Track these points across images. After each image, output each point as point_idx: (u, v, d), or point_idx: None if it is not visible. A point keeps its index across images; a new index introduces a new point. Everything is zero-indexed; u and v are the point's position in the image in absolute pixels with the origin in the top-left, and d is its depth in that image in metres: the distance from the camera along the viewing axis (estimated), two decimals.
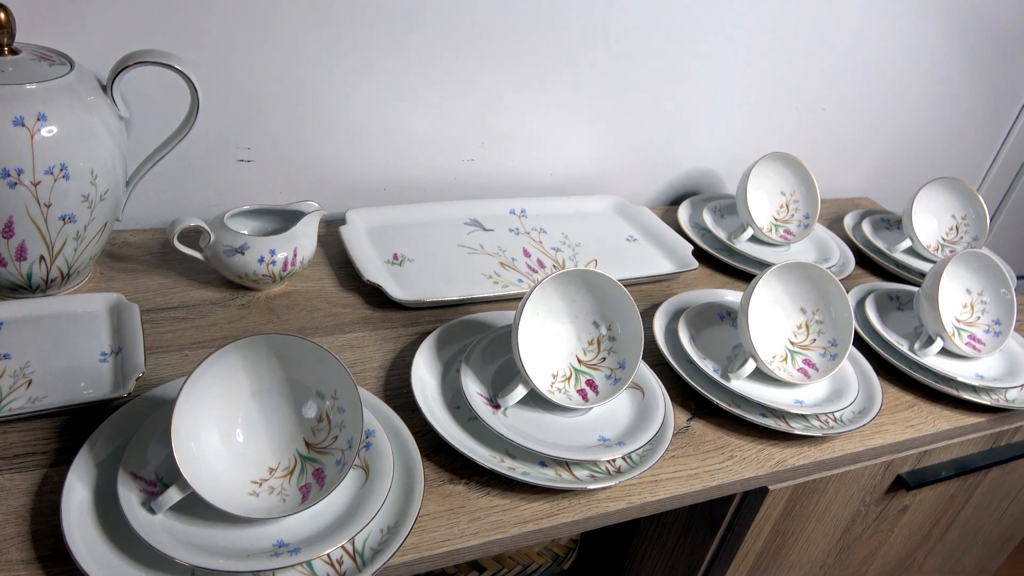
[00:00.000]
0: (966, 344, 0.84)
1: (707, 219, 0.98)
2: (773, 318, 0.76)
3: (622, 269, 0.87)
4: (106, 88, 0.63)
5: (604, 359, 0.66)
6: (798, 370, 0.74)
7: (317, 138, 0.83)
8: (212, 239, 0.69)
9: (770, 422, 0.68)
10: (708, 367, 0.71)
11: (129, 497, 0.48)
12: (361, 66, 0.80)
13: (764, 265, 0.93)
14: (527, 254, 0.86)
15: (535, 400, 0.63)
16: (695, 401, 0.70)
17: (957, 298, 0.86)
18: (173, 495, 0.47)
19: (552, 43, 0.88)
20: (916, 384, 0.78)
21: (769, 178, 0.99)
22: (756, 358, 0.70)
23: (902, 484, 0.76)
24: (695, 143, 1.06)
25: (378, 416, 0.58)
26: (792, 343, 0.76)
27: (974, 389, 0.78)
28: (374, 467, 0.53)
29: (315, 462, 0.52)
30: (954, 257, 0.82)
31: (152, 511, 0.48)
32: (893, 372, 0.80)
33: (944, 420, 0.75)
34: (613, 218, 0.97)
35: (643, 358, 0.71)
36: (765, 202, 1.00)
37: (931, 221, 1.06)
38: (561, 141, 0.96)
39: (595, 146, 0.99)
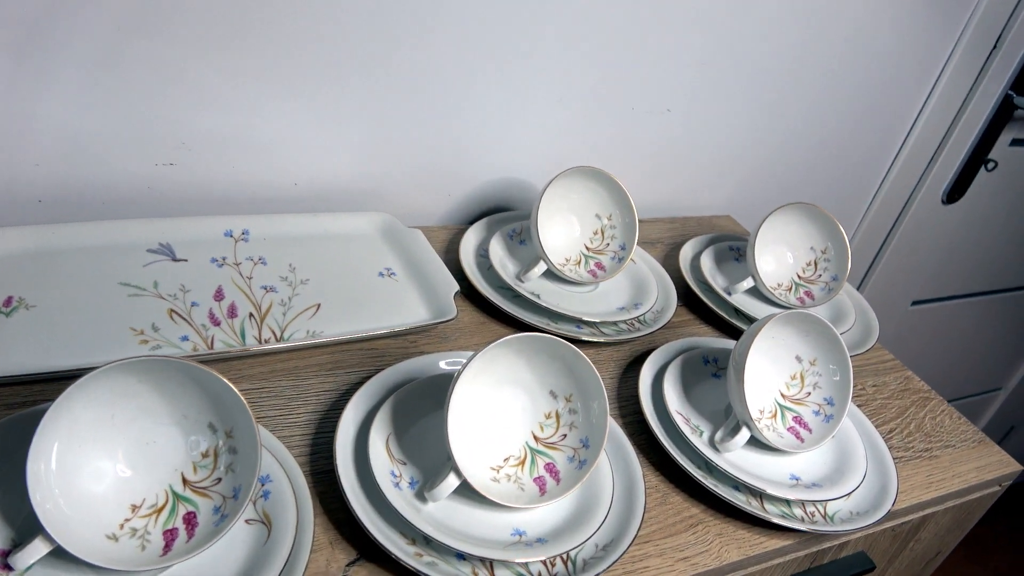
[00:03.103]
0: (789, 429, 0.65)
1: (496, 248, 0.77)
2: (511, 406, 0.55)
3: (353, 318, 0.65)
4: None
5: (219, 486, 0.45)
6: (535, 480, 0.53)
7: None
8: None
9: (464, 572, 0.47)
10: (402, 487, 0.50)
11: None
12: None
13: (554, 315, 0.72)
14: (219, 296, 0.64)
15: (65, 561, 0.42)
16: (360, 540, 0.49)
17: (784, 367, 0.67)
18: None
19: (295, 16, 0.66)
20: (707, 493, 0.59)
21: (576, 198, 0.79)
22: (458, 472, 0.49)
23: None
24: (504, 149, 0.85)
25: None
26: (537, 439, 0.56)
27: (786, 503, 0.59)
28: None
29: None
30: (775, 318, 0.63)
31: None
32: (682, 476, 0.60)
33: (735, 547, 0.56)
34: (374, 244, 0.76)
35: (311, 477, 0.50)
36: (575, 228, 0.80)
37: (785, 255, 0.87)
38: (310, 143, 0.74)
39: (362, 150, 0.77)
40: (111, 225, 0.66)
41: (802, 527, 0.57)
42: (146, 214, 0.70)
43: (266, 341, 0.61)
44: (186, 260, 0.67)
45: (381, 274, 0.72)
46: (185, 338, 0.59)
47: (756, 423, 0.64)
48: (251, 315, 0.63)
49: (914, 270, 1.36)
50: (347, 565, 0.47)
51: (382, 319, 0.66)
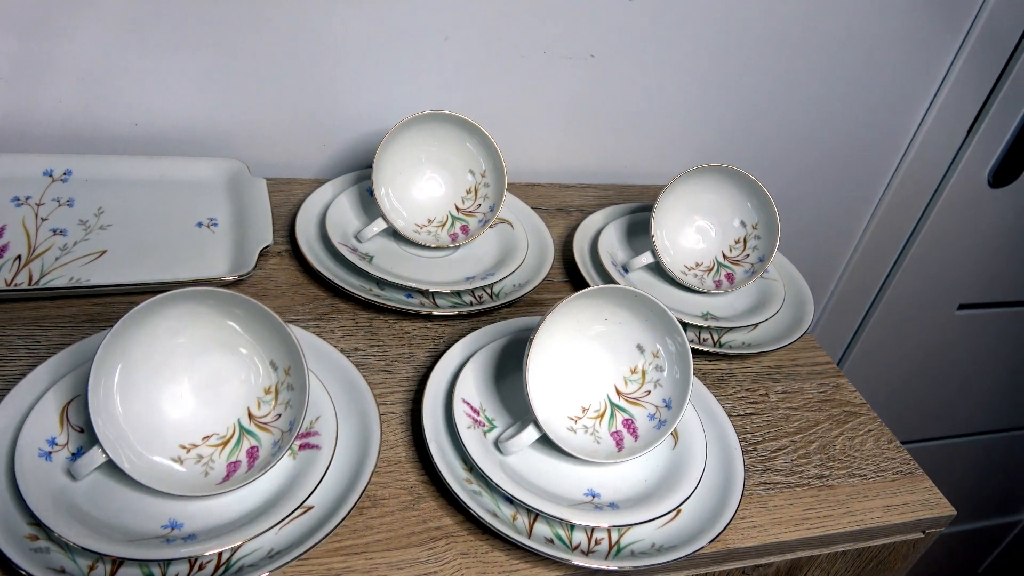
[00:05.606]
0: (613, 433, 0.52)
1: (343, 204, 0.68)
2: (228, 376, 0.47)
3: (137, 268, 0.59)
4: None
5: None
6: (229, 464, 0.45)
7: None
8: None
9: (80, 567, 0.39)
10: (54, 458, 0.43)
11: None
12: None
13: (382, 283, 0.62)
14: None
15: None
16: None
17: (624, 358, 0.54)
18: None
19: None
20: (460, 506, 0.47)
21: (441, 150, 0.68)
22: (102, 448, 0.41)
23: None
24: (382, 96, 0.75)
25: None
26: (251, 418, 0.47)
27: (568, 526, 0.47)
28: None
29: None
30: (580, 294, 0.50)
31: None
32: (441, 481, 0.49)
33: (475, 572, 0.45)
34: (209, 192, 0.69)
35: None
36: (442, 185, 0.70)
37: (707, 228, 0.72)
38: (150, 78, 0.68)
39: (217, 90, 0.70)
40: None
41: (569, 558, 0.45)
42: None
43: (18, 285, 0.55)
44: None
45: (200, 224, 0.65)
46: None
47: (573, 422, 0.52)
48: (19, 257, 0.58)
49: (958, 267, 1.14)
50: None
51: (171, 271, 0.59)
